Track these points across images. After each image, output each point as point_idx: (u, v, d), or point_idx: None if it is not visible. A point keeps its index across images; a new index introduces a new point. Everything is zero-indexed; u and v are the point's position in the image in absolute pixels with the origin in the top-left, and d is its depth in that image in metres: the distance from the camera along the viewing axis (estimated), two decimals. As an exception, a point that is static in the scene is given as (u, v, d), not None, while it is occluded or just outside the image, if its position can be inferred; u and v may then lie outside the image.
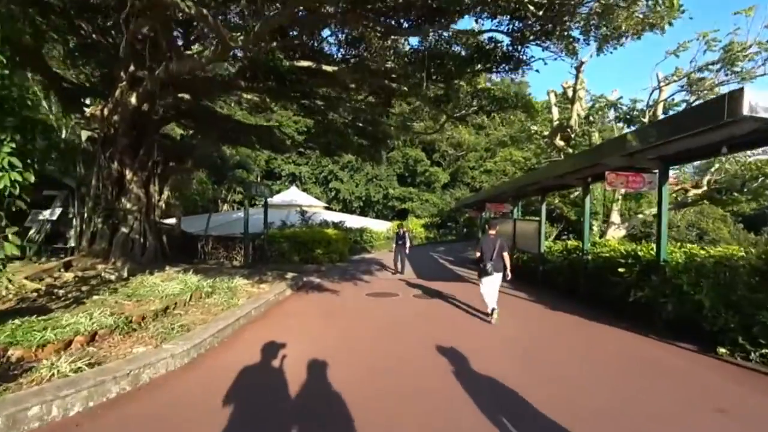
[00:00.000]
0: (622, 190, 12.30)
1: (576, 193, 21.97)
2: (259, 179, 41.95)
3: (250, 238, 15.19)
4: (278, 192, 36.38)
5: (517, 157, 24.07)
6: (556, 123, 14.59)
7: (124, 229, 9.34)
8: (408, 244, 13.34)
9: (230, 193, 38.66)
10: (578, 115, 13.29)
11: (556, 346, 5.60)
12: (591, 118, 13.91)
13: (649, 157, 6.17)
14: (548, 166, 13.42)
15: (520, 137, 14.90)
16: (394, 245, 13.95)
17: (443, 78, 9.17)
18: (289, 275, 10.90)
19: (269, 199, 32.46)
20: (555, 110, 14.95)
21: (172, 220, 22.90)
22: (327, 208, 39.45)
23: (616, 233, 13.01)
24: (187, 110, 10.36)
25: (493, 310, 6.67)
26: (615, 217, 13.56)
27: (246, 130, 14.32)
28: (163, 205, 10.69)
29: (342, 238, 16.70)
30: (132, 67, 7.81)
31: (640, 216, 14.18)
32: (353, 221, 25.33)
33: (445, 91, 9.57)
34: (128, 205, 9.41)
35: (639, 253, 7.01)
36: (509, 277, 6.82)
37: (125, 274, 8.06)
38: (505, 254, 6.77)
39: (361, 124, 13.09)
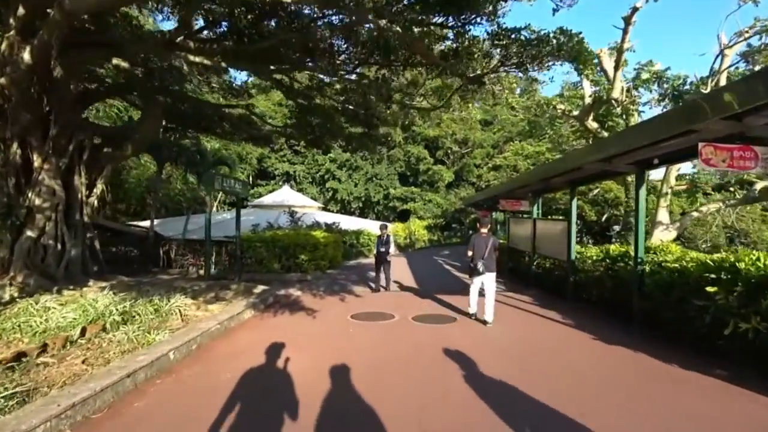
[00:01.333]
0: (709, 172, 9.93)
1: (596, 191, 19.76)
2: (250, 179, 39.99)
3: (222, 243, 13.12)
4: (271, 192, 34.40)
5: (529, 150, 21.86)
6: (588, 100, 12.19)
7: (30, 233, 7.24)
8: (391, 251, 10.50)
9: (219, 193, 36.69)
10: (622, 87, 10.95)
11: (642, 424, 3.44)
12: (634, 93, 11.61)
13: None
14: (585, 148, 11.15)
15: (538, 122, 12.64)
16: (375, 252, 10.96)
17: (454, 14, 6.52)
18: (259, 288, 8.78)
19: (260, 200, 30.58)
20: (587, 84, 12.65)
21: (146, 223, 20.92)
22: (324, 210, 37.40)
23: (663, 235, 10.77)
24: (126, 83, 8.26)
25: (473, 314, 6.95)
26: (663, 215, 11.13)
27: (213, 114, 12.24)
28: (95, 203, 8.58)
29: (333, 241, 14.59)
30: (21, 10, 5.73)
31: (695, 214, 11.90)
32: (349, 223, 23.22)
33: (457, 37, 6.99)
34: (37, 201, 7.32)
35: (739, 264, 4.84)
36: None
37: (7, 296, 5.93)
38: (496, 254, 6.82)
39: (352, 107, 10.95)
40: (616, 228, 17.93)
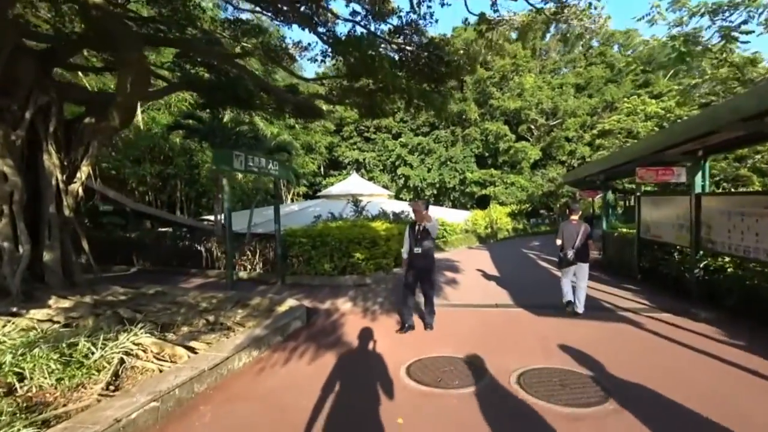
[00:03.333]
0: None
1: (758, 156, 13.92)
2: (321, 169, 38.80)
3: (269, 239, 10.88)
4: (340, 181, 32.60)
5: (653, 107, 16.42)
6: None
7: None
8: (432, 245, 5.49)
9: (293, 185, 36.09)
10: None
11: None
12: None
13: None
14: None
15: (688, 52, 8.15)
16: (405, 250, 5.65)
17: None
18: (286, 305, 6.10)
19: (327, 190, 28.79)
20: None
21: (222, 216, 20.04)
22: (397, 198, 34.75)
23: None
24: (97, 29, 5.99)
25: (569, 302, 6.12)
26: None
27: (254, 85, 9.88)
28: (79, 191, 6.58)
29: (399, 234, 11.60)
30: None
31: None
32: (421, 211, 20.08)
33: None
34: None
35: None
36: None
37: None
38: (591, 242, 6.27)
39: (410, 48, 7.73)
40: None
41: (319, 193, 29.56)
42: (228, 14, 10.95)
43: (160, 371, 3.56)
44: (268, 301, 6.41)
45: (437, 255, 15.01)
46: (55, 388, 3.17)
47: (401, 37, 7.76)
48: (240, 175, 23.74)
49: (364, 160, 37.25)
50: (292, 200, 34.83)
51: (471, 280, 9.38)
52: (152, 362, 3.73)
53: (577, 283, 6.09)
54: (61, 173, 6.37)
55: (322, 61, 8.84)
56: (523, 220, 27.40)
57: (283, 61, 10.98)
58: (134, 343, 3.95)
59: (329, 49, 7.76)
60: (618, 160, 8.88)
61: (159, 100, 22.49)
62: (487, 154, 33.43)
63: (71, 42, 6.41)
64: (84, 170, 6.52)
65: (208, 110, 13.09)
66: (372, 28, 7.68)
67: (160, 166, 21.04)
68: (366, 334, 5.32)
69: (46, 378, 3.16)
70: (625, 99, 21.92)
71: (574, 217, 6.16)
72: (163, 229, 17.86)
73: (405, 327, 5.44)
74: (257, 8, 9.37)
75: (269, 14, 9.35)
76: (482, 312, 6.40)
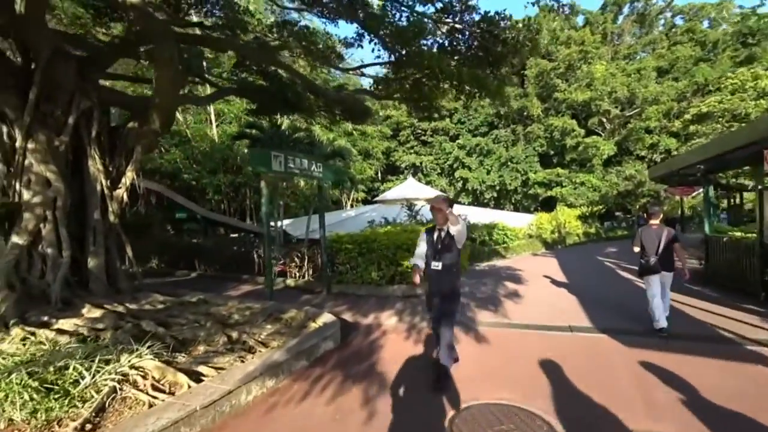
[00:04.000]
0: None
1: None
2: (379, 175, 38.47)
3: (313, 244, 10.38)
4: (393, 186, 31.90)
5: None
6: None
7: (17, 239, 5.28)
8: (458, 258, 3.79)
9: (352, 191, 36.20)
10: None
11: None
12: None
13: None
14: None
15: None
16: (419, 263, 3.86)
17: None
18: (322, 320, 5.36)
19: (383, 195, 28.20)
20: None
21: (284, 222, 20.38)
22: (455, 202, 33.22)
23: None
24: (137, 32, 5.82)
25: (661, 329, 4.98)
26: None
27: (302, 87, 9.46)
28: (124, 197, 6.44)
29: (452, 239, 10.46)
30: None
31: None
32: (480, 215, 18.63)
33: None
34: (26, 196, 5.37)
35: None
36: (688, 277, 5.20)
37: None
38: (677, 246, 5.20)
39: (462, 35, 6.68)
40: None
41: (375, 199, 29.14)
42: (274, 16, 10.68)
43: (151, 406, 2.93)
44: (303, 314, 5.71)
45: (497, 262, 13.68)
46: (28, 422, 2.66)
47: (450, 17, 6.74)
48: (302, 182, 24.00)
49: (420, 164, 36.27)
50: (351, 206, 34.89)
51: (536, 294, 7.97)
52: (148, 392, 3.13)
53: (664, 295, 5.37)
54: (105, 178, 6.29)
55: (359, 45, 8.11)
56: (595, 223, 24.44)
57: (330, 61, 10.48)
58: (134, 367, 3.40)
59: (368, 34, 6.97)
60: (732, 144, 6.92)
61: (220, 110, 23.56)
62: (552, 153, 30.64)
63: (113, 46, 6.38)
64: (128, 175, 6.40)
65: (258, 116, 13.00)
66: (419, 10, 6.75)
67: (232, 176, 22.00)
68: (406, 363, 4.35)
69: (16, 411, 2.66)
70: (729, 75, 18.30)
71: (654, 221, 5.45)
72: (234, 235, 18.48)
73: (437, 378, 3.73)
74: (302, 6, 8.95)
75: (315, 11, 8.87)
76: (552, 337, 5.10)
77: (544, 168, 30.46)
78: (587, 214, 24.77)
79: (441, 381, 3.65)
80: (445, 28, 7.09)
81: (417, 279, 3.77)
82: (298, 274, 10.43)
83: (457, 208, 20.42)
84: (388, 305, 7.39)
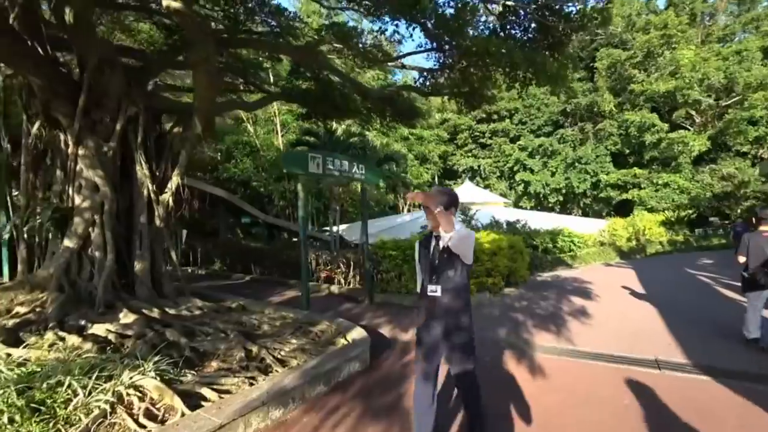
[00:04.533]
0: None
1: None
2: (436, 179, 37.45)
3: (350, 250, 9.91)
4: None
5: None
6: None
7: (68, 242, 5.40)
8: (465, 280, 2.49)
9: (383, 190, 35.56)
10: None
11: None
12: None
13: None
14: None
15: None
16: (418, 282, 2.74)
17: None
18: (352, 335, 4.77)
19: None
20: None
21: (340, 227, 20.49)
22: (516, 206, 31.25)
23: None
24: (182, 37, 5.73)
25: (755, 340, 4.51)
26: None
27: (348, 89, 9.13)
28: (170, 201, 6.43)
29: (508, 246, 9.36)
30: None
31: None
32: (542, 220, 16.97)
33: None
34: (77, 200, 5.51)
35: None
36: None
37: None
38: None
39: (516, 14, 5.77)
40: None
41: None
42: (322, 19, 10.51)
43: (134, 438, 2.54)
44: (333, 328, 5.19)
45: (562, 273, 12.13)
46: (5, 448, 2.39)
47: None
48: (359, 186, 23.98)
49: (479, 167, 34.65)
50: (408, 210, 34.36)
51: (609, 312, 6.66)
52: (138, 419, 2.76)
53: None
54: (152, 183, 6.35)
55: (408, 38, 7.48)
56: (683, 230, 21.16)
57: (379, 61, 10.04)
58: (134, 386, 3.08)
59: (410, 25, 6.33)
60: None
61: (284, 120, 24.35)
62: (627, 151, 27.37)
63: (161, 54, 6.50)
64: (174, 180, 6.43)
65: (307, 121, 12.94)
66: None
67: (294, 182, 22.73)
68: (442, 394, 3.59)
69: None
70: None
71: (765, 227, 4.80)
72: (295, 240, 18.91)
73: None
74: (347, 5, 8.61)
75: (362, 9, 8.48)
76: (631, 373, 3.98)
77: (618, 168, 27.29)
78: (673, 219, 21.57)
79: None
80: (497, 9, 6.21)
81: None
82: (344, 281, 10.03)
83: (518, 213, 18.81)
84: (432, 319, 6.61)
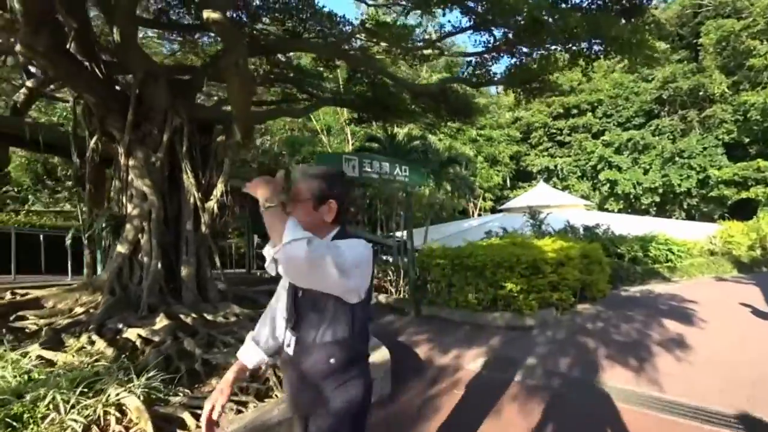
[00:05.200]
0: None
1: None
2: (507, 182, 35.10)
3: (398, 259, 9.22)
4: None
5: None
6: None
7: (121, 248, 5.65)
8: (346, 331, 1.38)
9: (479, 200, 33.99)
10: None
11: None
12: None
13: None
14: None
15: None
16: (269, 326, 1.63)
17: None
18: (377, 357, 4.15)
19: (508, 203, 25.20)
20: None
21: (403, 233, 20.11)
22: (601, 209, 27.88)
23: None
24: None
25: None
26: None
27: (401, 89, 8.66)
28: (214, 209, 6.48)
29: (581, 255, 7.93)
30: None
31: None
32: (630, 225, 14.58)
33: None
34: (129, 209, 5.75)
35: None
36: None
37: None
38: None
39: None
40: None
41: (499, 207, 26.46)
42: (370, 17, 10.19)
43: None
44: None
45: (655, 287, 10.05)
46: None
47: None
48: (426, 190, 23.29)
49: (555, 167, 31.67)
50: (479, 215, 32.74)
51: (719, 346, 5.07)
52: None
53: None
54: (197, 191, 6.49)
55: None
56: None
57: (430, 58, 9.40)
58: (115, 404, 2.85)
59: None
60: None
61: (353, 130, 24.73)
62: (746, 140, 22.56)
63: (205, 65, 6.69)
64: (219, 188, 6.50)
65: (360, 125, 12.74)
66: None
67: (363, 189, 23.07)
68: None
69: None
70: None
71: None
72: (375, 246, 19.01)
73: None
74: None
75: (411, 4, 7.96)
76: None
77: (735, 162, 22.58)
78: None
79: None
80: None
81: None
82: (394, 290, 9.43)
83: (599, 216, 16.60)
84: (480, 338, 5.72)
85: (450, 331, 6.27)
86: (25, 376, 3.14)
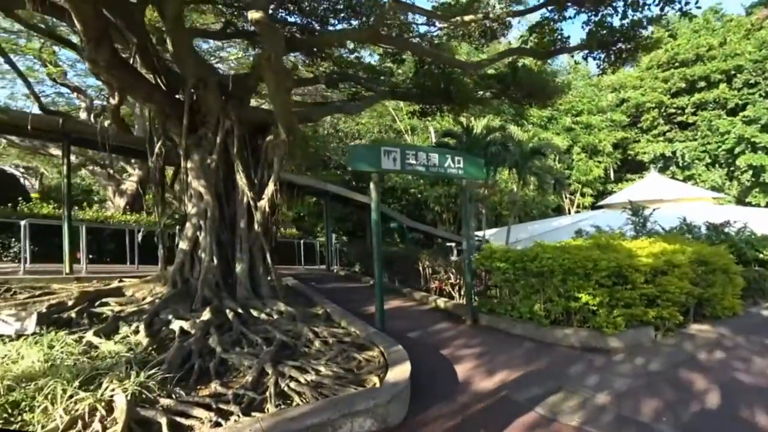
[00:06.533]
0: None
1: None
2: (611, 173, 30.41)
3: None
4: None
5: None
6: None
7: (183, 245, 6.01)
8: None
9: (576, 196, 30.28)
10: None
11: None
12: None
13: None
14: None
15: None
16: None
17: None
18: (394, 374, 3.59)
19: (609, 198, 21.60)
20: None
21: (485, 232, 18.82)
22: (738, 203, 22.55)
23: None
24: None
25: None
26: None
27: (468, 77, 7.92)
28: (266, 207, 6.53)
29: (692, 261, 6.09)
30: None
31: None
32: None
33: None
34: (189, 208, 6.09)
35: None
36: None
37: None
38: None
39: None
40: None
41: (598, 203, 23.01)
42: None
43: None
44: (381, 359, 4.12)
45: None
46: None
47: None
48: (515, 187, 21.54)
49: (674, 153, 26.36)
50: (577, 212, 29.11)
51: None
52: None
53: None
54: (250, 191, 6.66)
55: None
56: None
57: (498, 34, 8.35)
58: (105, 401, 2.83)
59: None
60: None
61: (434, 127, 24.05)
62: None
63: (253, 69, 6.85)
64: (270, 187, 6.60)
65: (421, 118, 12.01)
66: None
67: (447, 187, 22.50)
68: None
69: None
70: None
71: None
72: (450, 244, 18.35)
73: None
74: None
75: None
76: None
77: None
78: None
79: None
80: None
81: None
82: (456, 294, 8.58)
83: (732, 211, 13.33)
84: (541, 359, 4.71)
85: (506, 347, 5.31)
86: (48, 363, 3.34)
